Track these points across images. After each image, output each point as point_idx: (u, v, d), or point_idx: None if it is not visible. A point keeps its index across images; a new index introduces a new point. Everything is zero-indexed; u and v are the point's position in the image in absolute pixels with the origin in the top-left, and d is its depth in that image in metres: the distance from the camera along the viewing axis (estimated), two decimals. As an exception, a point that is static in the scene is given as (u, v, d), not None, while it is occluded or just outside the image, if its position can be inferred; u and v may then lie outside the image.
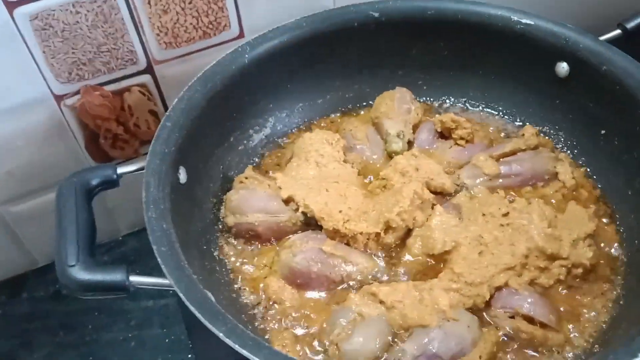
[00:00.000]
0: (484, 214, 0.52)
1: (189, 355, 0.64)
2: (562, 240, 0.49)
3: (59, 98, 0.63)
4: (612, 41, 0.57)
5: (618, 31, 0.58)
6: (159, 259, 0.41)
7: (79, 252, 0.41)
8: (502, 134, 0.63)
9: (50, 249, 0.71)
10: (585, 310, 0.48)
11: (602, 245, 0.52)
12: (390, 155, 0.60)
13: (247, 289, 0.51)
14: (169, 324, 0.67)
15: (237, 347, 0.37)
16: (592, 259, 0.49)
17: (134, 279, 0.42)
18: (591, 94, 0.56)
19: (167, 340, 0.66)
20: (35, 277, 0.73)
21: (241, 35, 0.66)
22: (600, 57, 0.54)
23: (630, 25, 0.57)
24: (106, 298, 0.43)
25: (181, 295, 0.39)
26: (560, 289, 0.49)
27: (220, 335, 0.37)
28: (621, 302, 0.48)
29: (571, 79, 0.57)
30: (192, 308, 0.39)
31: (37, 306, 0.70)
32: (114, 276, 0.41)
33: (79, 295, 0.42)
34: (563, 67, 0.57)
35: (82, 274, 0.41)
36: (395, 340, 0.46)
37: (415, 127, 0.62)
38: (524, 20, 0.58)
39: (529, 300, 0.46)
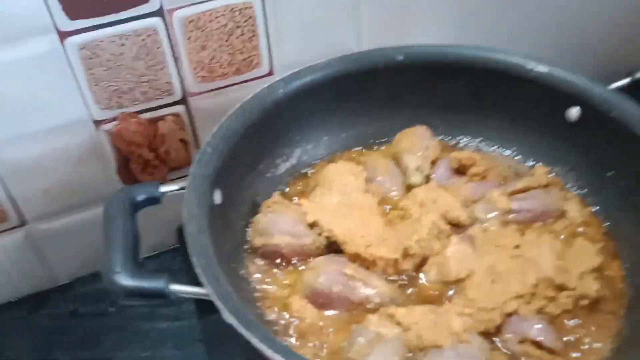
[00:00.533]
0: (496, 246, 0.56)
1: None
2: (570, 272, 0.53)
3: (97, 123, 0.68)
4: (621, 89, 0.62)
5: (627, 80, 0.63)
6: (198, 270, 0.46)
7: (125, 260, 0.46)
8: (514, 173, 0.67)
9: (73, 268, 0.76)
10: (589, 340, 0.52)
11: (607, 279, 0.56)
12: (409, 188, 0.65)
13: (271, 306, 0.56)
14: (183, 344, 0.71)
15: (269, 352, 0.40)
16: (598, 291, 0.53)
17: (174, 287, 0.46)
18: (600, 137, 0.62)
19: (181, 361, 0.69)
20: (55, 294, 0.77)
21: (270, 73, 0.72)
22: (609, 103, 0.60)
23: (639, 75, 0.62)
24: (147, 304, 0.47)
25: (218, 303, 0.44)
26: (566, 319, 0.53)
27: (255, 341, 0.41)
28: (625, 334, 0.52)
29: (581, 123, 0.63)
30: (228, 315, 0.43)
31: (56, 322, 0.74)
32: (156, 283, 0.46)
33: (123, 301, 0.46)
34: (574, 112, 0.63)
35: (126, 280, 0.45)
36: (412, 359, 0.49)
37: (432, 163, 0.67)
38: (538, 68, 0.64)
39: (538, 326, 0.51)
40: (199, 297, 0.46)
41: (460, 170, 0.66)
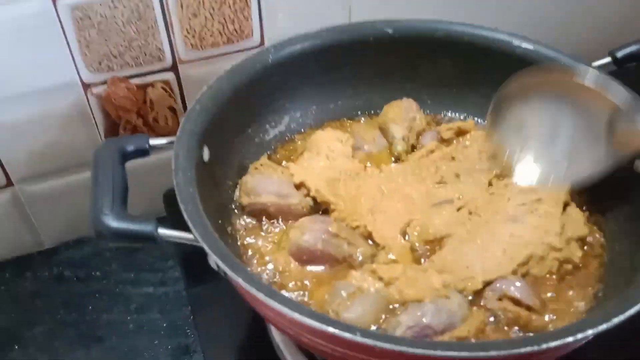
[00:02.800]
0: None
1: (186, 340, 0.69)
2: (560, 235, 0.56)
3: (86, 86, 0.69)
4: (603, 67, 0.65)
5: (608, 58, 0.65)
6: (185, 215, 0.47)
7: (113, 203, 0.47)
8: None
9: (58, 232, 0.77)
10: (569, 300, 0.54)
11: (588, 245, 0.59)
12: (395, 158, 0.67)
13: (256, 261, 0.57)
14: (168, 310, 0.72)
15: (253, 291, 0.42)
16: (581, 258, 0.56)
17: (162, 231, 0.47)
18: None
19: (164, 325, 0.71)
20: (40, 258, 0.78)
21: (262, 43, 0.74)
22: (591, 80, 0.62)
23: (620, 54, 0.65)
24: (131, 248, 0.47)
25: (205, 246, 0.45)
26: (547, 281, 0.55)
27: (240, 280, 0.43)
28: (599, 296, 0.54)
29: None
30: (215, 257, 0.44)
31: (40, 286, 0.75)
32: (144, 226, 0.47)
33: (111, 243, 0.47)
34: (557, 89, 0.65)
35: (115, 222, 0.47)
36: (392, 312, 0.51)
37: (418, 136, 0.69)
38: (524, 45, 0.66)
39: (517, 284, 0.53)
40: (185, 242, 0.47)
41: (446, 141, 0.68)
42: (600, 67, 0.64)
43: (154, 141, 0.55)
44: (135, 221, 0.47)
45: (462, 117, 0.73)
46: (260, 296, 0.42)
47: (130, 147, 0.53)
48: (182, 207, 0.48)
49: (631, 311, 0.42)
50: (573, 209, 0.59)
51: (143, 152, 0.54)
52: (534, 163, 0.59)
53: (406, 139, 0.67)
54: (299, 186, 0.60)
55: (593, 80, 0.57)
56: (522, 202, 0.58)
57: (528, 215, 0.57)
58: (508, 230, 0.56)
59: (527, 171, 0.59)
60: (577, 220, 0.58)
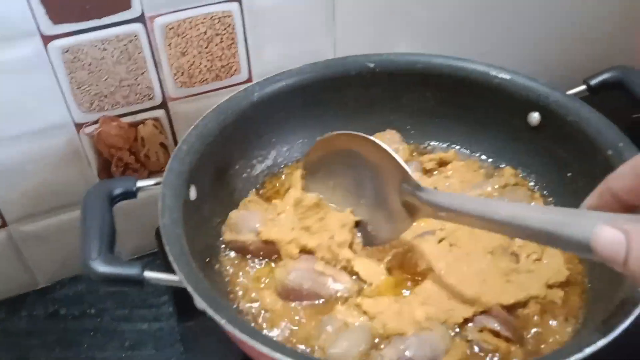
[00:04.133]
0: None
1: (180, 376, 0.70)
2: (539, 282, 0.57)
3: (78, 126, 0.70)
4: (578, 95, 0.67)
5: (583, 87, 0.67)
6: (170, 258, 0.48)
7: (100, 247, 0.49)
8: (484, 174, 0.71)
9: (53, 271, 0.78)
10: (550, 329, 0.55)
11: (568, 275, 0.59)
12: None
13: (243, 297, 0.58)
14: (162, 346, 0.73)
15: (236, 332, 0.43)
16: (562, 297, 0.57)
17: (148, 274, 0.49)
18: (558, 141, 0.65)
19: (159, 362, 0.71)
20: (35, 297, 0.79)
21: (249, 79, 0.76)
22: (567, 108, 0.64)
23: (594, 82, 0.67)
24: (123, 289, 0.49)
25: (189, 288, 0.46)
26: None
27: (223, 322, 0.44)
28: (581, 322, 0.55)
29: (541, 128, 0.67)
30: (199, 299, 0.45)
31: (36, 324, 0.75)
32: (131, 270, 0.48)
33: (101, 285, 0.48)
34: (534, 117, 0.67)
35: (102, 267, 0.48)
36: (376, 346, 0.52)
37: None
38: (500, 75, 0.68)
39: (497, 317, 0.54)
40: (172, 285, 0.48)
41: (429, 171, 0.70)
42: (575, 95, 0.66)
43: (142, 183, 0.56)
44: (122, 265, 0.48)
45: (444, 146, 0.74)
46: (243, 337, 0.43)
47: (118, 191, 0.55)
48: (167, 249, 0.49)
49: (603, 341, 0.43)
50: (555, 251, 0.60)
51: (131, 195, 0.56)
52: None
53: (390, 171, 0.69)
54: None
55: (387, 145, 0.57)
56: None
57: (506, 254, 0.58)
58: (488, 263, 0.57)
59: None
60: (558, 264, 0.59)
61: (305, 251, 0.59)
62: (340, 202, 0.63)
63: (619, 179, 0.43)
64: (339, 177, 0.62)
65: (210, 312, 0.45)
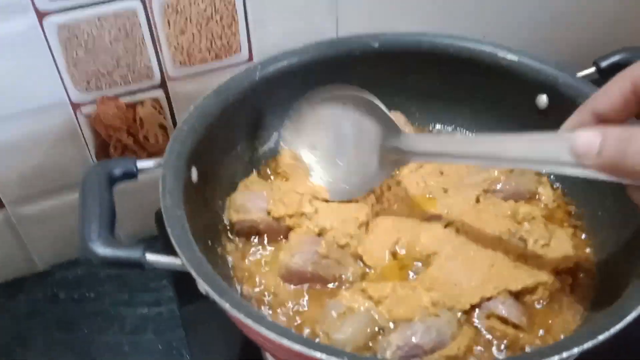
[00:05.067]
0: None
1: (181, 360, 0.69)
2: (549, 268, 0.56)
3: (75, 106, 0.69)
4: (587, 77, 0.65)
5: (593, 69, 0.66)
6: (172, 240, 0.47)
7: (100, 229, 0.47)
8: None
9: (52, 254, 0.77)
10: (559, 316, 0.54)
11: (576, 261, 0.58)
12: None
13: (246, 281, 0.57)
14: (162, 330, 0.72)
15: (241, 317, 0.42)
16: (571, 283, 0.56)
17: (150, 256, 0.47)
18: (567, 123, 0.64)
19: (159, 346, 0.71)
20: (34, 280, 0.78)
21: (250, 59, 0.74)
22: (576, 90, 0.62)
23: (604, 64, 0.65)
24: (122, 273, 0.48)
25: (192, 271, 0.45)
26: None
27: (227, 306, 0.43)
28: (590, 309, 0.54)
29: (550, 110, 0.65)
30: (202, 283, 0.44)
31: (35, 307, 0.75)
32: (131, 252, 0.47)
33: (99, 268, 0.47)
34: (543, 100, 0.65)
35: (102, 249, 0.47)
36: (382, 332, 0.51)
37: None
38: (508, 57, 0.66)
39: (504, 302, 0.53)
40: (173, 268, 0.47)
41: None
42: (584, 77, 0.65)
43: (142, 164, 0.55)
44: (123, 248, 0.47)
45: (449, 129, 0.73)
46: (248, 322, 0.42)
47: (118, 171, 0.53)
48: (169, 231, 0.48)
49: (617, 327, 0.42)
50: (562, 234, 0.59)
51: (131, 175, 0.54)
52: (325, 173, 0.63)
53: (394, 153, 0.67)
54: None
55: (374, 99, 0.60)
56: (509, 217, 0.58)
57: (514, 239, 0.58)
58: (496, 248, 0.56)
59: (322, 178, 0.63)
60: (566, 250, 0.58)
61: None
62: (320, 159, 0.64)
63: (604, 98, 0.46)
64: (321, 133, 0.63)
65: (214, 296, 0.44)
